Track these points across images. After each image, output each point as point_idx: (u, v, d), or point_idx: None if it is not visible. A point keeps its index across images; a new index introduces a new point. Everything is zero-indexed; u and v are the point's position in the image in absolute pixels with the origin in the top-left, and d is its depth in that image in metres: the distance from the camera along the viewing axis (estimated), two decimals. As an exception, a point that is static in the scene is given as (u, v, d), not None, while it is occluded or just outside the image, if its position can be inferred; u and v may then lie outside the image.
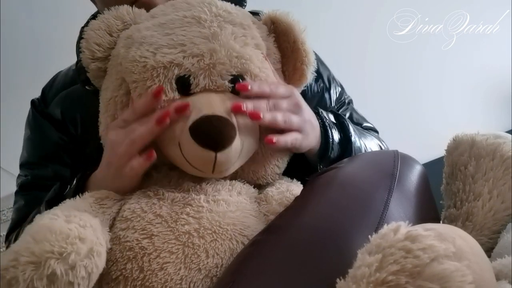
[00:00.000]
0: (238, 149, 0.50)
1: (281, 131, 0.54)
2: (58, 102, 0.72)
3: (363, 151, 0.66)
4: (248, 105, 0.51)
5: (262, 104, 0.53)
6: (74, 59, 0.74)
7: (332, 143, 0.61)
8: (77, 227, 0.42)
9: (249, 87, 0.52)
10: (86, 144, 0.67)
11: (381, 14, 1.80)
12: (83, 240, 0.41)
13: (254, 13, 0.63)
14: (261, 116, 0.51)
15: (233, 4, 0.59)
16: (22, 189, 0.73)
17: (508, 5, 1.86)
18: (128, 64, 0.53)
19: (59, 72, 0.79)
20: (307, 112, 0.58)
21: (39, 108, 0.74)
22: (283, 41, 0.59)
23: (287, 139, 0.54)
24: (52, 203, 0.57)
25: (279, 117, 0.53)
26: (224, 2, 0.58)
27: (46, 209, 0.57)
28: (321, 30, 1.62)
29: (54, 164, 0.70)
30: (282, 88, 0.56)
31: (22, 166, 0.74)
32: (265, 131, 0.54)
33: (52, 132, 0.71)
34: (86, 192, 0.52)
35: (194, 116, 0.48)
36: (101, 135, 0.58)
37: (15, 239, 0.64)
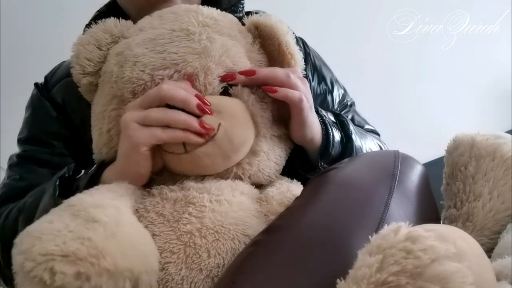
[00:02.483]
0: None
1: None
2: (60, 89, 0.72)
3: (364, 150, 0.66)
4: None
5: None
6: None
7: (333, 140, 0.61)
8: (154, 256, 0.43)
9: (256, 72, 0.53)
10: (83, 133, 0.66)
11: (381, 14, 1.80)
12: (154, 272, 0.42)
13: (247, 13, 0.63)
14: (256, 71, 0.53)
15: (218, 10, 0.59)
16: (19, 161, 0.70)
17: (508, 5, 1.86)
18: (125, 85, 0.53)
19: (63, 62, 0.78)
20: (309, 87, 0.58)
21: (42, 92, 0.74)
22: (268, 45, 0.59)
23: (294, 93, 0.54)
24: (64, 183, 0.56)
25: (280, 71, 0.54)
26: (210, 8, 0.59)
27: (58, 188, 0.55)
28: (321, 31, 1.62)
29: (56, 142, 0.69)
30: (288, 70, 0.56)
31: (20, 141, 0.72)
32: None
33: (53, 112, 0.70)
34: (126, 184, 0.51)
35: None
36: (95, 150, 0.58)
37: (7, 217, 0.61)
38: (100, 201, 0.43)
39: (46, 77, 0.76)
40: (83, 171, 0.56)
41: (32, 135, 0.71)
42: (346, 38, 1.81)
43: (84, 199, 0.44)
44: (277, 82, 0.54)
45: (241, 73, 0.53)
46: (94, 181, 0.54)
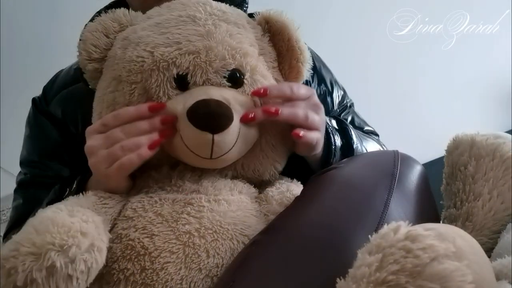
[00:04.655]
0: (236, 132, 0.50)
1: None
2: (59, 101, 0.72)
3: None
4: (260, 106, 0.50)
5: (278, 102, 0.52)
6: (74, 58, 0.74)
7: (335, 150, 0.61)
8: (79, 221, 0.42)
9: (268, 91, 0.51)
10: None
11: (381, 14, 1.80)
12: (84, 235, 0.41)
13: (250, 15, 0.63)
14: (279, 111, 0.51)
15: (227, 5, 0.60)
16: (21, 187, 0.73)
17: (508, 5, 1.86)
18: (125, 65, 0.53)
19: (61, 71, 0.79)
20: (324, 114, 0.58)
21: (40, 107, 0.74)
22: (278, 40, 0.59)
23: (313, 136, 0.53)
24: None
25: (300, 112, 0.53)
26: (219, 2, 0.59)
27: None
28: (320, 31, 1.62)
29: (54, 163, 0.70)
30: (303, 89, 0.55)
31: (21, 164, 0.74)
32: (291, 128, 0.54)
33: (52, 131, 0.71)
34: (89, 191, 0.52)
35: (191, 101, 0.49)
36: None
37: None
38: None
39: (44, 88, 0.76)
40: (67, 189, 0.58)
41: (30, 158, 0.73)
42: (346, 38, 1.81)
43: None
44: (297, 122, 0.53)
45: (263, 110, 0.51)
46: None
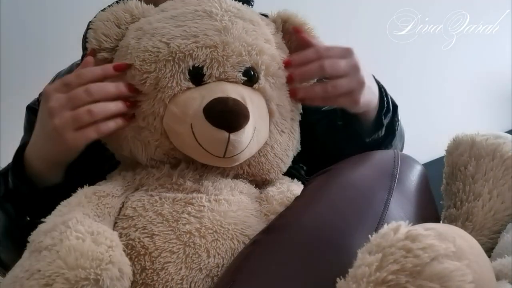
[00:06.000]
0: (250, 133, 0.50)
1: None
2: None
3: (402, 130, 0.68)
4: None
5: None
6: (74, 59, 0.74)
7: (388, 105, 0.63)
8: (106, 250, 0.42)
9: (291, 61, 0.56)
10: None
11: (381, 14, 1.80)
12: (113, 264, 0.41)
13: (262, 15, 0.64)
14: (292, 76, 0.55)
15: (240, 3, 0.60)
16: None
17: (508, 5, 1.86)
18: (139, 54, 0.53)
19: (60, 72, 0.79)
20: (366, 74, 0.58)
21: (37, 110, 0.74)
22: (293, 41, 0.61)
23: (341, 100, 0.57)
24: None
25: (311, 66, 0.55)
26: (233, 0, 0.60)
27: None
28: (319, 31, 1.61)
29: None
30: (336, 49, 0.57)
31: None
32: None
33: None
34: (85, 187, 0.51)
35: (208, 98, 0.49)
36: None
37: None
38: (51, 224, 0.45)
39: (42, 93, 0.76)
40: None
41: None
42: (346, 38, 1.81)
43: (39, 229, 0.45)
44: (312, 78, 0.56)
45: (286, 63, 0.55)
46: (20, 163, 0.56)
